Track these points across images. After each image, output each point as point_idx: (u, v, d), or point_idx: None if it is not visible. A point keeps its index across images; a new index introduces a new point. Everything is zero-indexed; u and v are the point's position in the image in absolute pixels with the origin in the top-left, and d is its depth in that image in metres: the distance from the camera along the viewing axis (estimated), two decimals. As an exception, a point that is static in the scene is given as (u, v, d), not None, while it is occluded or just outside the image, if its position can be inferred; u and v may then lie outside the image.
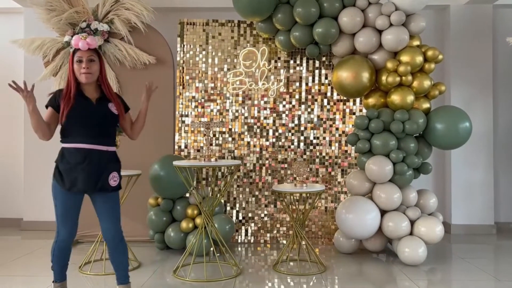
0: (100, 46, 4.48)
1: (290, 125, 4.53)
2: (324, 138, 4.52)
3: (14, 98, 5.25)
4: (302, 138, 4.53)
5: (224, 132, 4.54)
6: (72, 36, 4.42)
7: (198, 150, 4.53)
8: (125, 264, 2.81)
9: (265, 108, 4.55)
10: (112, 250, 2.77)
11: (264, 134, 4.54)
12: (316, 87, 4.54)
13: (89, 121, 2.68)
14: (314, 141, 4.53)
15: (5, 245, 4.46)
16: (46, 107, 2.75)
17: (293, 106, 4.54)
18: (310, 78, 4.54)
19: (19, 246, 4.44)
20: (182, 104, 4.56)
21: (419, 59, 3.89)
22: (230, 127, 4.54)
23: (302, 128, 4.53)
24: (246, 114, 4.55)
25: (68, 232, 2.72)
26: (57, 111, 2.70)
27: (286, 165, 4.52)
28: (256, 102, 4.55)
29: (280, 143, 4.52)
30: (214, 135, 4.53)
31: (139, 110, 2.96)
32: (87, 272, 3.56)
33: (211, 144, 4.48)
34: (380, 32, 3.99)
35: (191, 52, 4.56)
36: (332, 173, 4.51)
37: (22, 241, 4.67)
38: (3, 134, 5.36)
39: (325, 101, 4.53)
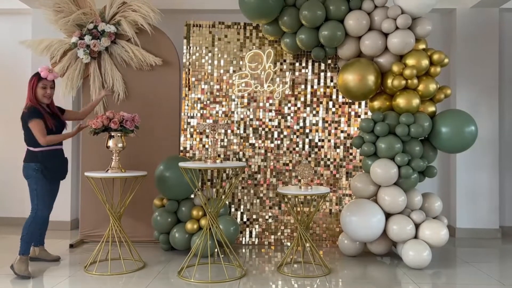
0: (107, 47, 4.52)
1: (295, 127, 4.54)
2: (329, 140, 4.53)
3: (16, 96, 5.31)
4: (307, 140, 4.54)
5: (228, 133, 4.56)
6: (79, 37, 4.46)
7: (204, 146, 4.54)
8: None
9: (270, 110, 4.56)
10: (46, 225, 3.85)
11: (269, 136, 4.55)
12: (322, 90, 4.55)
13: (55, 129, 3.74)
14: (319, 144, 4.53)
15: (9, 244, 4.48)
16: (28, 121, 3.60)
17: (299, 108, 4.55)
18: (316, 81, 4.55)
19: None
20: (187, 105, 4.58)
21: (425, 62, 3.90)
22: (235, 128, 4.56)
23: (307, 131, 4.54)
24: (251, 116, 4.56)
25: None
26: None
27: (291, 167, 4.52)
28: (261, 104, 4.56)
29: (285, 145, 4.53)
30: (221, 137, 4.54)
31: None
32: (93, 272, 3.57)
33: (219, 145, 4.49)
34: (386, 35, 3.99)
35: (197, 54, 4.58)
36: (337, 176, 4.51)
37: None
38: (9, 132, 5.39)
39: (331, 103, 4.54)
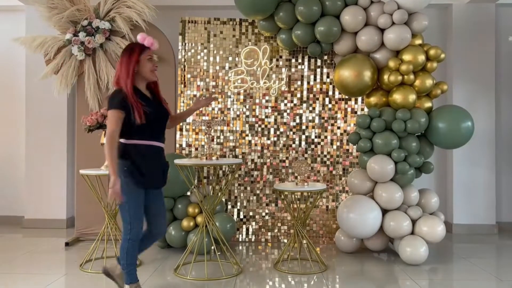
0: (102, 44, 4.48)
1: (292, 123, 4.53)
2: (325, 137, 4.51)
3: (16, 95, 5.28)
4: (303, 137, 4.52)
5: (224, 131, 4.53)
6: (73, 34, 4.42)
7: (202, 146, 4.52)
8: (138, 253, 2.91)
9: (266, 107, 4.54)
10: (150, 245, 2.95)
11: (266, 132, 4.53)
12: (318, 86, 4.53)
13: (154, 118, 2.77)
14: (316, 140, 4.52)
15: (6, 243, 4.47)
16: (110, 109, 2.68)
17: (295, 105, 4.53)
18: (312, 77, 4.53)
19: (21, 244, 4.44)
20: (183, 102, 4.55)
21: (421, 58, 3.88)
22: (231, 125, 4.53)
23: (303, 127, 4.52)
24: (247, 113, 4.54)
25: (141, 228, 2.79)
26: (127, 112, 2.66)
27: (287, 164, 4.51)
28: (257, 100, 4.54)
29: (281, 141, 4.52)
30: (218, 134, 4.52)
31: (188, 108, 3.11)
32: (88, 270, 3.55)
33: (215, 142, 4.46)
34: (382, 30, 3.98)
35: (192, 50, 4.56)
36: (334, 172, 4.50)
37: (24, 239, 4.67)
38: (4, 132, 5.36)
39: (327, 100, 4.52)
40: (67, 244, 4.34)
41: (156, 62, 2.97)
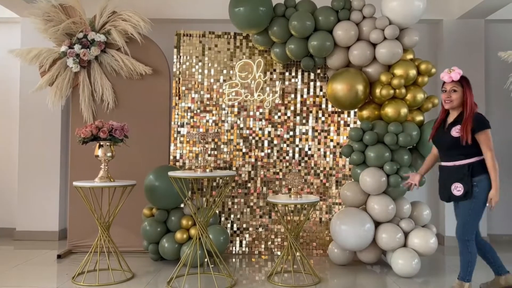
0: (97, 57, 4.51)
1: (285, 136, 4.56)
2: (318, 149, 4.55)
3: (10, 106, 5.28)
4: (297, 149, 4.55)
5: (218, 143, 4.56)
6: (68, 47, 4.45)
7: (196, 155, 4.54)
8: (461, 262, 3.17)
9: (260, 119, 4.58)
10: None
11: (260, 145, 4.56)
12: (311, 99, 4.58)
13: (438, 144, 3.30)
14: (309, 152, 4.55)
15: (-3, 255, 4.43)
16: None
17: (288, 117, 4.57)
18: (305, 90, 4.58)
19: (12, 256, 4.40)
20: (177, 114, 4.58)
21: (413, 72, 3.95)
22: (225, 137, 4.56)
23: (297, 140, 4.56)
24: (241, 125, 4.57)
25: None
26: None
27: (281, 176, 4.53)
28: (251, 113, 4.58)
29: (275, 154, 4.54)
30: (214, 144, 4.54)
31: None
32: (80, 283, 3.53)
33: (208, 155, 4.48)
34: (374, 45, 4.05)
35: (187, 63, 4.60)
36: (327, 185, 4.52)
37: (15, 251, 4.64)
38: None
39: (320, 113, 4.57)
40: (59, 256, 4.31)
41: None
